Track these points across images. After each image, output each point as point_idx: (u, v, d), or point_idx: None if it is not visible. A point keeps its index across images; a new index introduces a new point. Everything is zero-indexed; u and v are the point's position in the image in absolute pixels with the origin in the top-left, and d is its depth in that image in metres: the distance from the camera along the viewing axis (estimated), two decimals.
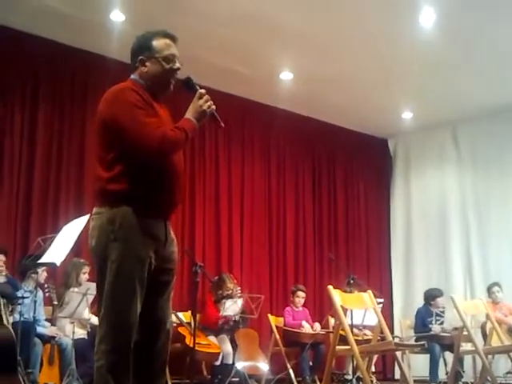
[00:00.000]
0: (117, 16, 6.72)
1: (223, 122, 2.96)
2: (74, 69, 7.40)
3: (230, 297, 7.15)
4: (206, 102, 2.86)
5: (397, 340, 6.91)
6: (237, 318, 7.21)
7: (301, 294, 8.19)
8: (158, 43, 2.90)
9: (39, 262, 5.25)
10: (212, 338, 7.17)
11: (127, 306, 2.70)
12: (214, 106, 2.88)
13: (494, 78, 8.20)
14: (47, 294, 5.83)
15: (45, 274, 5.96)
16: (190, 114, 2.85)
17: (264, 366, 7.41)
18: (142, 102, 2.79)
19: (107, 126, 2.78)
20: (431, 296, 7.98)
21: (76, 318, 5.84)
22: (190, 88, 2.92)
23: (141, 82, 2.91)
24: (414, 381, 7.61)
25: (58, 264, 5.17)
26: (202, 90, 2.89)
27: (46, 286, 5.81)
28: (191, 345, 5.65)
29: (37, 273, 5.53)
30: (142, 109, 2.76)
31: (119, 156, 2.76)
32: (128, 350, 2.70)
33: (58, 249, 5.07)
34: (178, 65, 2.92)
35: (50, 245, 5.16)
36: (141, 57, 2.91)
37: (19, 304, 5.42)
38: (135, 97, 2.78)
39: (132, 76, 2.95)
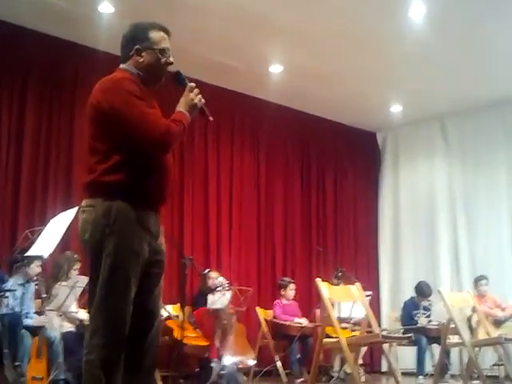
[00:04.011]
0: (106, 8, 6.69)
1: (212, 114, 2.96)
2: (62, 60, 7.35)
3: (218, 290, 7.15)
4: (197, 95, 2.87)
5: (384, 332, 6.95)
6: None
7: (293, 286, 8.25)
8: (154, 35, 2.89)
9: (27, 254, 5.24)
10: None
11: (122, 300, 2.68)
12: (203, 100, 2.89)
13: (483, 71, 8.23)
14: (36, 287, 5.80)
15: (39, 268, 5.92)
16: (182, 107, 2.84)
17: (252, 360, 7.43)
18: (141, 93, 2.78)
19: (105, 116, 2.74)
20: (421, 293, 7.98)
21: (63, 312, 5.82)
22: (179, 82, 2.92)
23: (133, 72, 2.88)
24: (401, 373, 7.66)
25: (46, 256, 5.15)
26: (192, 84, 2.89)
27: (35, 278, 5.79)
28: (179, 338, 5.65)
29: (25, 266, 5.50)
30: (142, 99, 2.75)
31: (116, 147, 2.73)
32: (121, 345, 2.69)
33: (46, 241, 5.05)
34: (171, 59, 2.92)
35: (37, 237, 5.13)
36: (138, 46, 2.88)
37: (6, 297, 5.40)
38: (134, 87, 2.77)
39: (123, 66, 2.91)
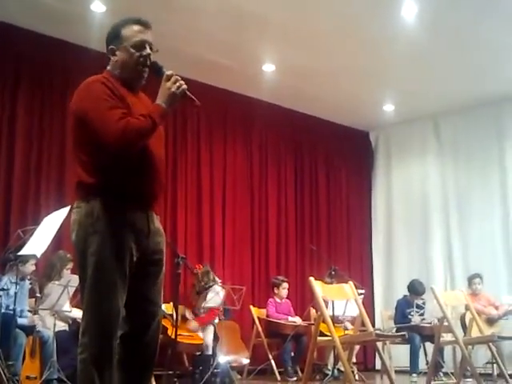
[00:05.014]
0: (98, 7, 6.66)
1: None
2: (54, 59, 7.33)
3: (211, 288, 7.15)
4: (175, 83, 2.77)
5: (378, 331, 6.96)
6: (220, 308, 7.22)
7: (286, 285, 8.28)
8: (126, 31, 2.85)
9: (20, 253, 5.23)
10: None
11: (107, 298, 2.69)
12: (185, 86, 2.79)
13: (475, 70, 8.26)
14: (30, 286, 5.80)
15: (33, 267, 5.91)
16: (159, 99, 2.78)
17: (245, 358, 7.44)
18: (109, 94, 2.74)
19: (77, 121, 2.78)
20: (414, 292, 7.99)
21: (56, 311, 5.81)
22: (156, 72, 2.84)
23: (114, 72, 2.88)
24: (395, 371, 7.68)
25: (39, 256, 5.15)
26: (169, 72, 2.80)
27: (29, 277, 5.79)
28: (173, 336, 5.65)
29: (19, 264, 5.48)
30: (106, 101, 2.71)
31: (91, 150, 2.75)
32: (110, 342, 2.70)
33: (39, 240, 5.04)
34: (148, 51, 2.85)
35: (30, 236, 5.13)
36: (111, 46, 2.89)
37: None
38: (102, 89, 2.74)
39: (107, 67, 2.93)
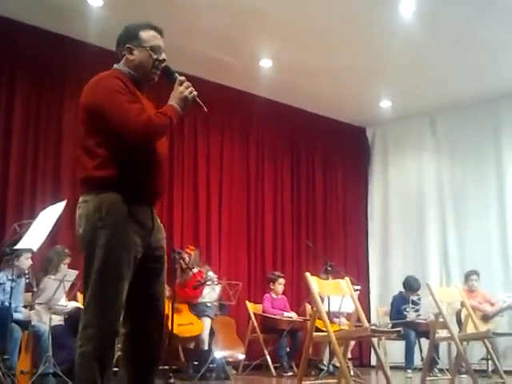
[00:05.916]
0: (94, 1, 6.65)
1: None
2: (51, 54, 7.30)
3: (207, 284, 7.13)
4: (187, 88, 2.86)
5: (373, 327, 6.97)
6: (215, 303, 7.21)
7: (282, 280, 8.28)
8: (145, 34, 2.92)
9: (16, 247, 5.22)
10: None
11: (114, 292, 2.71)
12: (195, 92, 2.88)
13: (472, 68, 8.27)
14: (27, 281, 5.79)
15: (30, 261, 5.90)
16: (172, 102, 2.85)
17: (241, 354, 7.44)
18: (125, 89, 2.79)
19: (90, 114, 2.79)
20: (410, 288, 8.01)
21: (52, 305, 5.80)
22: (168, 77, 2.92)
23: (125, 71, 2.91)
24: (390, 367, 7.69)
25: (35, 250, 5.14)
26: (182, 77, 2.89)
27: (26, 272, 5.77)
28: (168, 332, 5.64)
29: (14, 259, 5.47)
30: (124, 95, 2.77)
31: (104, 142, 2.76)
32: (114, 335, 2.72)
33: (35, 235, 5.03)
34: (163, 56, 2.93)
35: (26, 231, 5.12)
36: (128, 45, 2.92)
37: None
38: (118, 83, 2.79)
39: (116, 65, 2.96)
